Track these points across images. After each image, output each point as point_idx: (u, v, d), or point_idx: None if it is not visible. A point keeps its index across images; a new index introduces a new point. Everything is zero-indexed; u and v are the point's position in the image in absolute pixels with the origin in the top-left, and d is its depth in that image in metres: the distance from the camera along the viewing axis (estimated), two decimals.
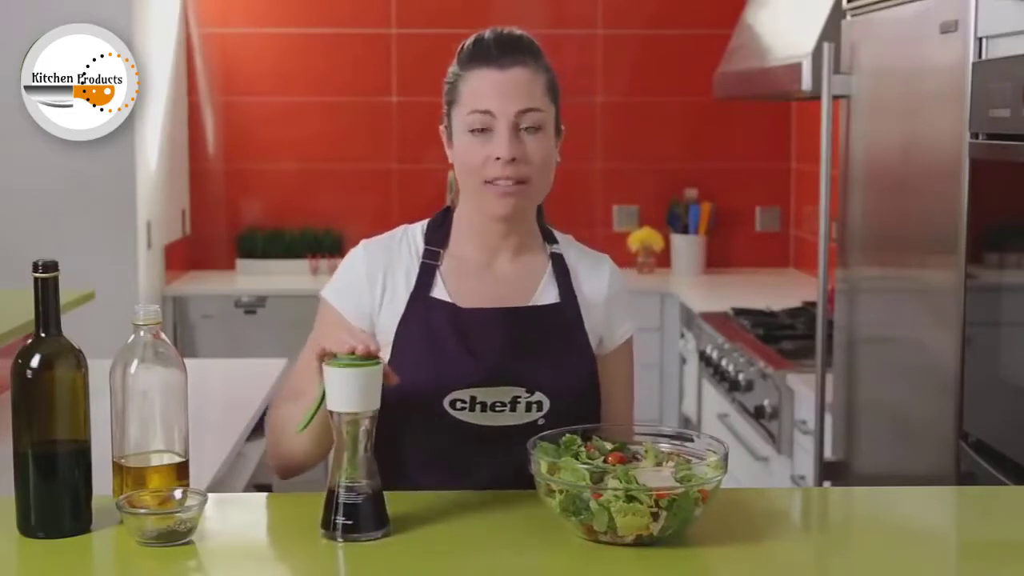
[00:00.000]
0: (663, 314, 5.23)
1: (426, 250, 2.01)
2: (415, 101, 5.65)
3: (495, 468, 1.89)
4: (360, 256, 2.02)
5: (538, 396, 1.92)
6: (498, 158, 1.90)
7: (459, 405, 1.91)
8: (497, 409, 1.92)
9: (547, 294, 2.01)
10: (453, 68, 1.97)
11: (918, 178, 2.72)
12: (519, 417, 1.92)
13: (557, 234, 2.08)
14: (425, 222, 2.05)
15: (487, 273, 2.01)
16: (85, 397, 1.69)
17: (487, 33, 1.97)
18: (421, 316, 1.96)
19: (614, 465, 1.66)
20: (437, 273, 1.99)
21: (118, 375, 1.73)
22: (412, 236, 2.03)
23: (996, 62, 2.36)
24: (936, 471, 2.57)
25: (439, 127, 2.03)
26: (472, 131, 1.92)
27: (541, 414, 1.92)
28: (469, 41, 1.97)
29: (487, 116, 1.91)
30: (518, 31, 1.98)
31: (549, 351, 1.96)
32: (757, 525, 1.75)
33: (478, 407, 1.91)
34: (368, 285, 1.98)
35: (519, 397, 1.92)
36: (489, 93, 1.91)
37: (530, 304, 1.99)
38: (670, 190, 5.77)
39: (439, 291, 1.98)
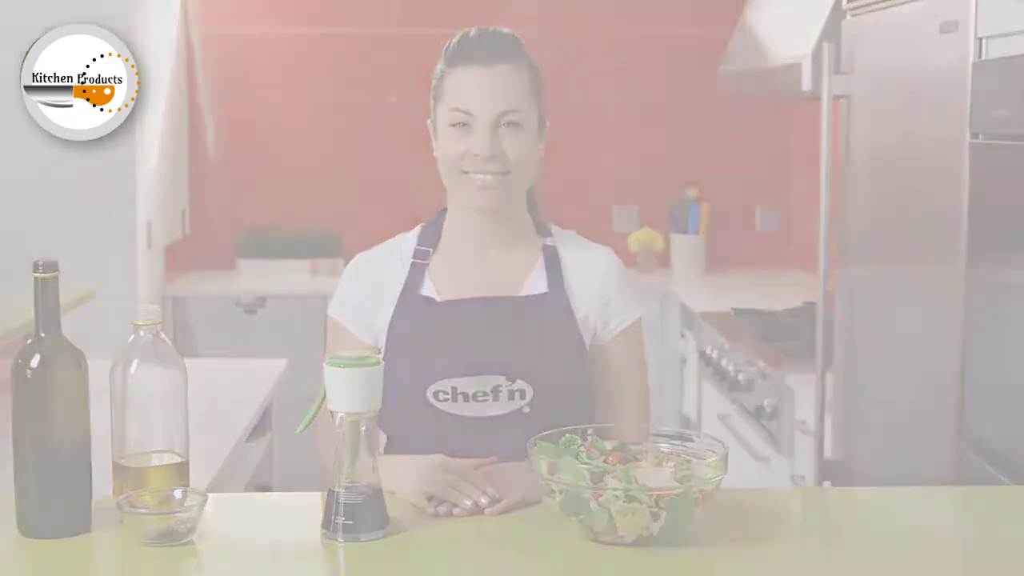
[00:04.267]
0: (663, 314, 5.22)
1: (416, 250, 2.05)
2: (415, 101, 5.59)
3: (484, 457, 1.89)
4: (355, 269, 2.08)
5: (520, 384, 1.94)
6: (476, 154, 1.93)
7: (442, 396, 1.94)
8: (480, 399, 1.94)
9: (536, 285, 2.02)
10: (440, 65, 2.00)
11: (918, 178, 2.71)
12: (503, 406, 1.94)
13: (555, 229, 2.09)
14: (420, 226, 2.08)
15: (476, 267, 2.03)
16: (85, 397, 1.69)
17: (472, 31, 1.99)
18: (407, 313, 1.99)
19: (614, 465, 1.66)
20: (426, 272, 2.02)
21: (118, 375, 1.74)
22: (404, 242, 2.07)
23: (996, 62, 2.36)
24: (936, 471, 2.57)
25: (427, 121, 2.04)
26: (453, 125, 1.95)
27: (525, 402, 1.94)
28: (455, 39, 2.00)
29: (468, 115, 1.94)
30: (504, 29, 2.00)
31: (533, 340, 1.97)
32: (757, 525, 1.75)
33: (460, 397, 1.94)
34: (363, 296, 2.03)
35: (500, 386, 1.94)
36: (471, 91, 1.94)
37: (515, 294, 2.00)
38: (670, 190, 5.77)
39: (427, 288, 2.01)
